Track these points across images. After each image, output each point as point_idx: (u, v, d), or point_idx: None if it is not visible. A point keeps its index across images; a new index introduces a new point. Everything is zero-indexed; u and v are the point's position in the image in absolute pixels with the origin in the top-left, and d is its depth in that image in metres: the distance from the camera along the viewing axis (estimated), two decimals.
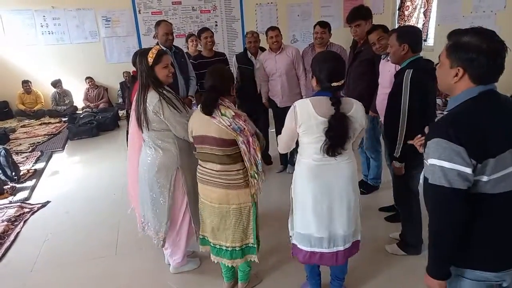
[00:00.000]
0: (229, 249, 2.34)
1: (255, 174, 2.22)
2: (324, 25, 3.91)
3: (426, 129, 1.61)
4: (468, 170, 1.30)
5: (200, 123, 2.21)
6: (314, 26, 3.96)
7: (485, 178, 1.34)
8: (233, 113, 2.14)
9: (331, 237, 2.11)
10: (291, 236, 2.30)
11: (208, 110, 2.14)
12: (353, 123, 1.96)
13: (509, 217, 1.40)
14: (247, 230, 2.32)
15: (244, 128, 2.14)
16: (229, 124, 2.11)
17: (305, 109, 1.96)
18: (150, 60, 2.34)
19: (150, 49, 2.39)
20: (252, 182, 2.23)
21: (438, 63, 1.50)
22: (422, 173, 2.68)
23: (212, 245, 2.40)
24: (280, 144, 2.19)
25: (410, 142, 1.97)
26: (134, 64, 3.11)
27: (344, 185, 2.07)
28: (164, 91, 2.38)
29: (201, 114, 2.18)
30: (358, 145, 2.16)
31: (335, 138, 1.94)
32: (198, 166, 2.35)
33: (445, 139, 1.31)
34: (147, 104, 2.34)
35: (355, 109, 1.97)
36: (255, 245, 2.36)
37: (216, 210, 2.28)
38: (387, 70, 3.06)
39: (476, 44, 1.31)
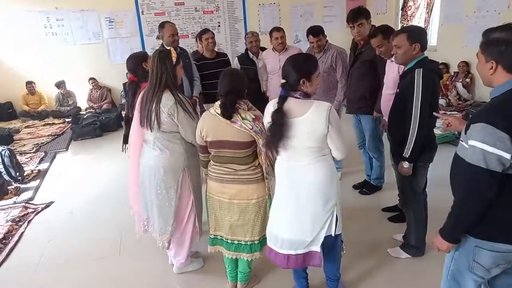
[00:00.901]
0: (248, 243, 2.36)
1: (267, 175, 2.25)
2: (316, 34, 3.74)
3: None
4: (508, 156, 1.42)
5: (216, 128, 2.20)
6: (307, 36, 3.81)
7: None
8: (253, 116, 2.15)
9: (284, 238, 2.11)
10: None
11: (229, 114, 2.13)
12: (299, 126, 1.93)
13: None
14: (265, 222, 2.33)
15: (263, 131, 2.15)
16: (251, 127, 2.12)
17: (270, 107, 2.06)
18: (174, 60, 2.37)
19: (168, 50, 2.42)
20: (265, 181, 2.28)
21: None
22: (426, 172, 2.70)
23: (230, 241, 2.40)
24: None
25: (436, 114, 2.13)
26: (131, 70, 3.11)
27: (309, 191, 2.03)
28: (179, 94, 2.40)
29: (216, 119, 2.18)
30: (339, 148, 2.01)
31: (271, 135, 1.99)
32: (212, 166, 2.33)
33: (491, 125, 1.42)
34: (161, 105, 2.34)
35: (311, 112, 1.93)
36: None
37: (236, 206, 2.29)
38: (391, 71, 3.05)
39: (505, 38, 1.45)
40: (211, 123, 2.22)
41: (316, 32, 3.76)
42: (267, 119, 2.06)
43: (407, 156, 2.45)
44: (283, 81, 2.01)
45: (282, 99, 1.98)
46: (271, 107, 2.05)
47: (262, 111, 2.25)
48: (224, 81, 2.20)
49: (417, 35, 2.42)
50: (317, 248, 2.10)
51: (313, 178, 2.02)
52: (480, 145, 1.44)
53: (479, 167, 1.46)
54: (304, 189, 2.04)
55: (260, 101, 4.24)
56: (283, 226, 2.13)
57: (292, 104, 1.97)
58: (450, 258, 1.70)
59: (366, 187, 3.88)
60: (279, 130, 1.95)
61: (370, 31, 3.41)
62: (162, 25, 3.85)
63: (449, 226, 1.62)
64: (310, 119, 1.93)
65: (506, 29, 1.48)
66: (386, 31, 3.03)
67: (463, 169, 1.53)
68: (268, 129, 2.03)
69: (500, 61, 1.48)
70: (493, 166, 1.44)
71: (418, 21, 7.91)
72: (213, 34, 4.22)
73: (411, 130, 2.39)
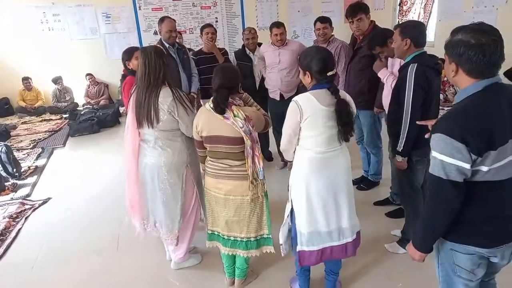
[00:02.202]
0: (244, 240, 2.35)
1: (254, 180, 2.21)
2: (324, 20, 3.82)
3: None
4: (467, 166, 1.37)
5: (211, 124, 2.20)
6: (315, 23, 3.87)
7: (485, 169, 1.40)
8: (245, 116, 2.13)
9: (340, 229, 2.15)
10: (281, 244, 2.29)
11: (221, 109, 2.13)
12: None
13: (503, 201, 1.47)
14: (261, 220, 2.33)
15: (251, 133, 2.14)
16: (241, 126, 2.11)
17: (309, 102, 2.00)
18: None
19: (159, 47, 2.42)
20: (251, 186, 2.22)
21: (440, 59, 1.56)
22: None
23: (226, 237, 2.39)
24: (283, 143, 2.16)
25: (419, 123, 2.00)
26: (123, 60, 3.13)
27: (344, 176, 2.13)
28: (177, 89, 2.39)
29: (210, 114, 2.18)
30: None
31: (346, 124, 2.02)
32: (209, 162, 2.33)
33: (447, 135, 1.36)
34: (160, 102, 2.32)
35: (348, 98, 2.10)
36: (271, 236, 2.36)
37: (231, 202, 2.29)
38: (392, 66, 3.05)
39: (465, 40, 1.37)
40: (206, 118, 2.22)
41: (324, 19, 3.85)
42: (296, 116, 2.01)
43: (400, 150, 2.49)
44: (335, 70, 2.06)
45: (336, 89, 2.03)
46: (306, 102, 1.99)
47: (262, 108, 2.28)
48: (216, 76, 2.20)
49: (409, 31, 2.43)
50: (360, 226, 2.27)
51: (344, 161, 2.14)
52: (439, 156, 1.40)
53: (440, 178, 1.42)
54: (338, 175, 2.10)
55: (255, 97, 4.24)
56: (325, 221, 2.12)
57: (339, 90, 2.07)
58: (436, 264, 1.67)
59: (364, 183, 3.88)
60: (350, 116, 2.05)
61: (369, 27, 3.41)
62: (161, 20, 3.84)
63: (419, 236, 1.60)
64: (350, 104, 2.07)
65: (471, 30, 1.37)
66: (379, 40, 3.05)
67: (429, 179, 1.50)
68: (341, 122, 2.02)
69: (459, 63, 1.41)
70: (453, 177, 1.39)
71: (412, 16, 7.91)
72: (215, 30, 4.18)
73: (403, 124, 2.42)
